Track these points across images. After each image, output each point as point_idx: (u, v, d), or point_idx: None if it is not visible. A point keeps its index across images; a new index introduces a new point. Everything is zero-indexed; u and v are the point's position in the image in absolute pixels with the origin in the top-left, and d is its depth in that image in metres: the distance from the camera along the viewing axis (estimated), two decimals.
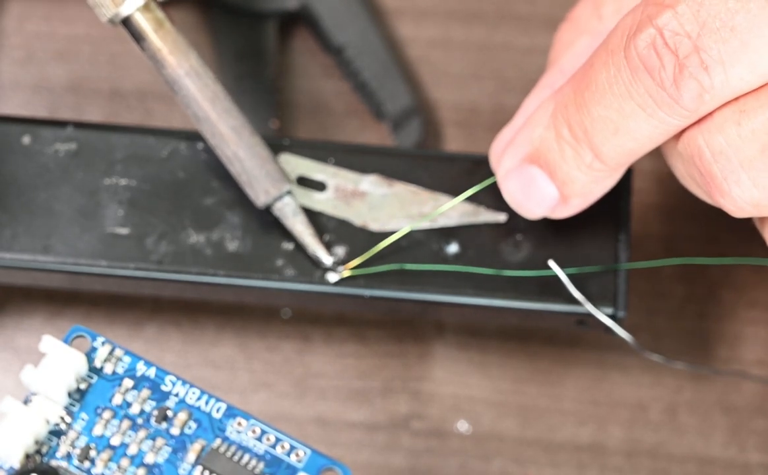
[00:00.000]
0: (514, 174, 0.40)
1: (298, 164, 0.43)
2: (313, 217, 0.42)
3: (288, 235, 0.42)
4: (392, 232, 0.42)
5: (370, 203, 0.42)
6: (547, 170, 0.39)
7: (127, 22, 0.41)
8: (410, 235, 0.42)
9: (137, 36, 0.41)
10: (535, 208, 0.40)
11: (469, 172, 0.43)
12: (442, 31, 0.50)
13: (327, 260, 0.41)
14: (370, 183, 0.43)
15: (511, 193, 0.40)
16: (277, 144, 0.43)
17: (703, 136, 0.36)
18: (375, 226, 0.42)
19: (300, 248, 0.42)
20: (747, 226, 0.45)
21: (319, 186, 0.43)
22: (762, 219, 0.38)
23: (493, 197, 0.42)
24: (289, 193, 0.41)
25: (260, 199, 0.41)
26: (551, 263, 0.41)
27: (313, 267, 0.41)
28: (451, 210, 0.42)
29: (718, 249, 0.47)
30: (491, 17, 0.51)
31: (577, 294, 0.41)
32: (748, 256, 0.47)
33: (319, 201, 0.42)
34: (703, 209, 0.47)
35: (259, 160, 0.41)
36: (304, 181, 0.43)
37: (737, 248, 0.47)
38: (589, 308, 0.41)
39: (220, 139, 0.41)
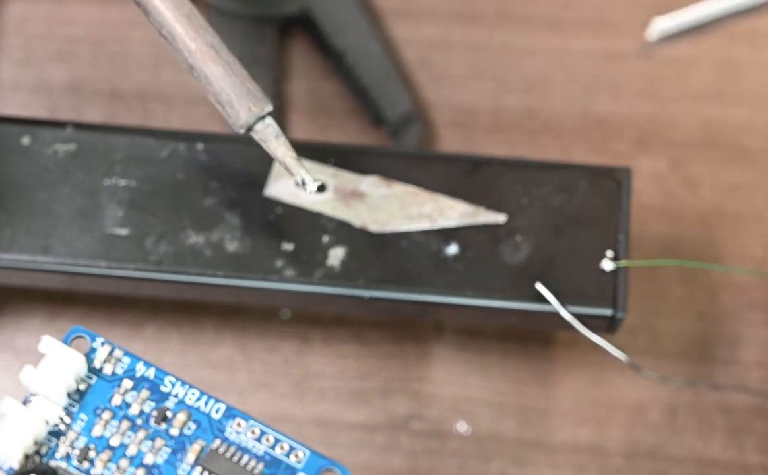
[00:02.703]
0: None
1: None
2: (313, 217, 0.42)
3: (287, 235, 0.42)
4: (392, 233, 0.42)
5: (369, 204, 0.42)
6: None
7: None
8: (410, 236, 0.42)
9: None
10: None
11: (469, 173, 0.43)
12: (442, 32, 0.50)
13: (311, 182, 0.39)
14: (369, 184, 0.43)
15: None
16: None
17: None
18: (374, 227, 0.42)
19: (299, 248, 0.42)
20: (746, 228, 0.45)
21: (319, 187, 0.43)
22: None
23: (492, 198, 0.42)
24: (270, 114, 0.39)
25: (241, 118, 0.39)
26: (539, 286, 0.41)
27: (312, 268, 0.41)
28: (451, 210, 0.42)
29: (717, 250, 0.47)
30: (491, 18, 0.51)
31: (566, 316, 0.41)
32: (747, 257, 0.47)
33: (318, 202, 0.42)
34: (702, 211, 0.47)
35: (239, 78, 0.39)
36: (304, 182, 0.43)
37: (737, 249, 0.47)
38: (579, 328, 0.41)
39: (197, 58, 0.39)
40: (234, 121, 0.39)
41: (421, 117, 0.49)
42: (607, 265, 0.41)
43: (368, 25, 0.49)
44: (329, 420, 0.46)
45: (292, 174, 0.39)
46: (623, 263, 0.41)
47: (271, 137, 0.39)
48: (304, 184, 0.39)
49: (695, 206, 0.48)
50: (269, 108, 0.39)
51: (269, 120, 0.39)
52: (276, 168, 0.43)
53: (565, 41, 0.50)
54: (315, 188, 0.39)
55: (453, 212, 0.42)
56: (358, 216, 0.42)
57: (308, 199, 0.42)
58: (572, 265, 0.41)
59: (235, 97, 0.39)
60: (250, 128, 0.39)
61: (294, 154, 0.39)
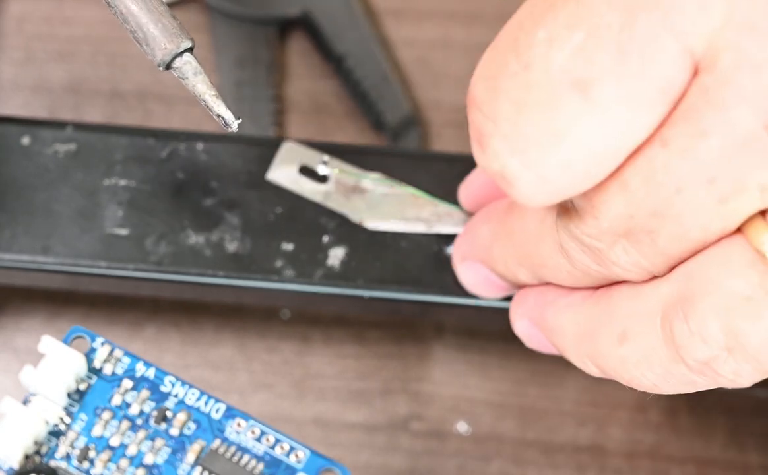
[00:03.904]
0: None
1: (302, 153, 0.43)
2: (311, 209, 0.42)
3: (287, 235, 0.42)
4: (392, 233, 0.42)
5: (369, 201, 0.42)
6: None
7: None
8: (410, 236, 0.42)
9: None
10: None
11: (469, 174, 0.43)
12: (442, 32, 0.50)
13: (232, 120, 0.38)
14: (371, 181, 0.43)
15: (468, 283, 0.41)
16: (276, 144, 0.43)
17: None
18: (370, 224, 0.42)
19: (299, 248, 0.42)
20: None
21: (321, 178, 0.43)
22: None
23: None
24: (190, 50, 0.38)
25: (157, 56, 0.38)
26: None
27: (312, 268, 0.41)
28: (449, 217, 0.42)
29: None
30: (491, 18, 0.51)
31: None
32: None
33: (318, 192, 0.42)
34: None
35: (155, 15, 0.38)
36: (307, 171, 0.43)
37: None
38: None
39: None
40: (152, 59, 0.38)
41: (422, 121, 0.49)
42: None
43: (369, 29, 0.49)
44: (329, 420, 0.46)
45: (211, 111, 0.38)
46: None
47: (189, 74, 0.38)
48: (224, 122, 0.38)
49: None
50: (186, 44, 0.38)
51: (188, 56, 0.38)
52: (281, 154, 0.43)
53: None
54: (236, 127, 0.37)
55: (450, 220, 0.42)
56: (356, 211, 0.42)
57: (309, 187, 0.42)
58: None
59: (150, 36, 0.38)
60: (168, 66, 0.38)
61: (214, 92, 0.38)
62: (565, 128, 0.28)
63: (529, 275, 0.36)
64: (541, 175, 0.29)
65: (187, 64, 0.38)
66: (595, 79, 0.28)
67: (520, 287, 0.38)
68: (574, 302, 0.35)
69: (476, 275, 0.39)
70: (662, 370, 0.31)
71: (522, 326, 0.38)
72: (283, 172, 0.42)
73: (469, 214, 0.42)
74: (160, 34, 0.37)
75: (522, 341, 0.39)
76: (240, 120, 0.37)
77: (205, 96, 0.37)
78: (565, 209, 0.32)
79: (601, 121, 0.28)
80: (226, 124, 0.37)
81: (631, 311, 0.32)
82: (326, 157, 0.43)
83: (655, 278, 0.32)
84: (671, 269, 0.31)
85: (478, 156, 0.30)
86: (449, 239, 0.42)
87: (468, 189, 0.41)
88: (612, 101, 0.28)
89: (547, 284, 0.37)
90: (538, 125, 0.28)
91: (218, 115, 0.37)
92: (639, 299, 0.32)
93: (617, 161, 0.29)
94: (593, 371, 0.35)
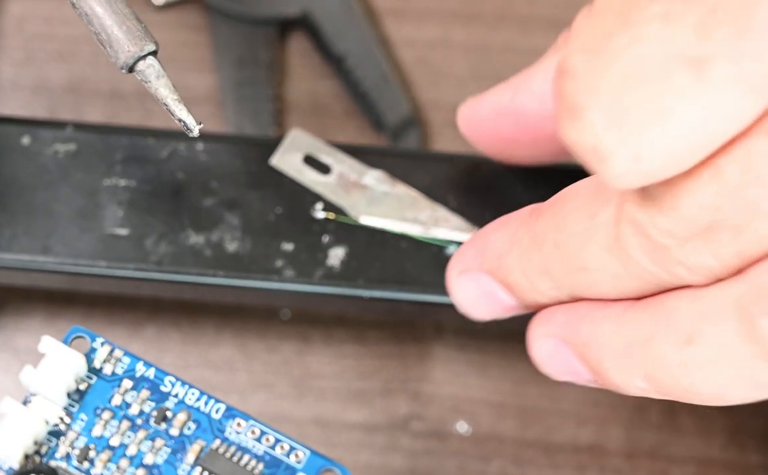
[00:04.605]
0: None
1: (308, 142, 0.43)
2: (311, 196, 0.42)
3: (287, 235, 0.42)
4: (389, 233, 0.42)
5: (369, 197, 0.42)
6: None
7: None
8: (409, 237, 0.42)
9: None
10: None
11: (470, 174, 0.43)
12: (442, 32, 0.50)
13: (194, 125, 0.37)
14: (374, 178, 0.43)
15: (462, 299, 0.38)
16: (276, 144, 0.43)
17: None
18: (366, 220, 0.42)
19: (299, 248, 0.42)
20: None
21: (324, 168, 0.43)
22: None
23: (492, 198, 0.42)
24: (153, 54, 0.38)
25: (120, 59, 0.38)
26: None
27: (312, 268, 0.41)
28: (446, 223, 0.42)
29: None
30: (491, 18, 0.51)
31: None
32: None
33: (319, 182, 0.42)
34: None
35: (119, 17, 0.37)
36: (311, 161, 0.43)
37: None
38: None
39: None
40: (115, 62, 0.38)
41: (422, 121, 0.49)
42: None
43: (369, 29, 0.49)
44: (329, 420, 0.46)
45: (173, 115, 0.38)
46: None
47: (152, 78, 0.38)
48: (186, 126, 0.37)
49: None
50: (150, 47, 0.38)
51: (151, 59, 0.38)
52: (287, 141, 0.43)
53: None
54: (197, 132, 0.37)
55: (447, 225, 0.42)
56: (355, 206, 0.42)
57: (311, 177, 0.42)
58: None
59: (114, 39, 0.37)
60: (131, 69, 0.38)
61: (176, 96, 0.38)
62: (672, 107, 0.27)
63: (553, 285, 0.34)
64: (637, 154, 0.27)
65: (150, 67, 0.37)
66: (711, 58, 0.27)
67: (526, 305, 0.36)
68: (614, 313, 0.33)
69: (479, 289, 0.37)
70: (736, 371, 0.30)
71: (546, 346, 0.35)
72: (287, 159, 0.43)
73: (467, 221, 0.42)
74: (124, 37, 0.37)
75: (538, 365, 0.36)
76: (201, 125, 0.37)
77: (167, 100, 0.37)
78: (637, 198, 0.30)
79: (710, 103, 0.27)
80: (188, 129, 0.37)
81: (697, 313, 0.31)
82: (332, 149, 0.43)
83: (718, 280, 0.30)
84: (737, 272, 0.30)
85: (566, 128, 0.28)
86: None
87: (473, 110, 0.40)
88: (724, 83, 0.27)
89: (576, 300, 0.34)
90: (644, 101, 0.27)
91: (180, 120, 0.37)
92: (705, 300, 0.31)
93: (714, 147, 0.28)
94: (637, 386, 0.33)
